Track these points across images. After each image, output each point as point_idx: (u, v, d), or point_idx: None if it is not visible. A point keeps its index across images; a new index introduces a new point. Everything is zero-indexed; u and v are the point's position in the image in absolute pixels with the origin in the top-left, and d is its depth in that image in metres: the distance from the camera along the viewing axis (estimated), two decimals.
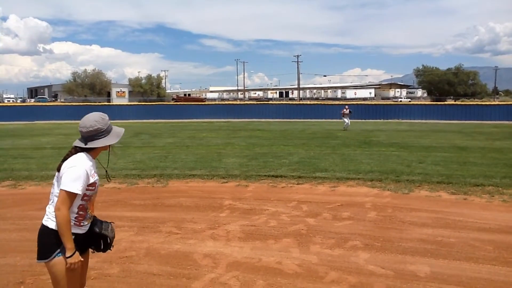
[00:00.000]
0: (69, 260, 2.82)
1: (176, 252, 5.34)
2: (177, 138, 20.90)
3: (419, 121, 36.78)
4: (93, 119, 2.98)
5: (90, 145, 2.98)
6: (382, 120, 37.64)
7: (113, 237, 3.20)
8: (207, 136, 21.64)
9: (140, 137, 21.12)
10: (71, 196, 2.82)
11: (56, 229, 2.85)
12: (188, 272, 4.72)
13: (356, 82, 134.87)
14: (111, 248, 3.19)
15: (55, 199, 2.90)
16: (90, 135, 2.96)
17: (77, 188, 2.81)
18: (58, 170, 2.93)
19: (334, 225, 6.40)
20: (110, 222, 3.24)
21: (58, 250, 2.85)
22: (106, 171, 3.19)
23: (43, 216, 2.97)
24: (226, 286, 4.38)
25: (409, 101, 74.68)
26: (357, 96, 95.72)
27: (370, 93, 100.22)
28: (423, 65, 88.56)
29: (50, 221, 2.90)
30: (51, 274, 2.94)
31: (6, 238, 5.96)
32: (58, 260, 2.86)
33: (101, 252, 3.20)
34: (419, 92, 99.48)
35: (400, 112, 40.17)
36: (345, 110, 27.88)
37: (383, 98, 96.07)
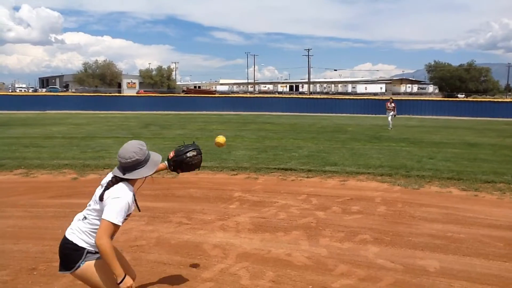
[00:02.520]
0: (121, 286, 2.80)
1: (186, 242, 5.38)
2: (187, 130, 20.95)
3: (430, 117, 36.51)
4: (132, 150, 2.96)
5: (128, 176, 2.97)
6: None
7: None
8: (217, 129, 21.67)
9: (150, 128, 21.21)
10: (113, 227, 2.82)
11: (80, 245, 2.91)
12: (198, 262, 4.75)
13: (367, 77, 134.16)
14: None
15: (88, 220, 2.96)
16: (128, 166, 2.95)
17: (120, 220, 2.83)
18: (101, 199, 2.91)
19: (343, 218, 6.40)
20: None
21: (82, 259, 2.91)
22: (136, 201, 3.13)
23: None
24: (235, 276, 4.41)
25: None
26: (368, 91, 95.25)
27: (381, 88, 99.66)
28: (435, 61, 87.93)
29: (75, 236, 2.95)
30: (84, 282, 3.01)
31: (18, 225, 6.05)
32: (85, 267, 2.92)
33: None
34: (431, 88, 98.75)
35: (410, 107, 39.84)
36: (389, 103, 23.77)
37: (394, 94, 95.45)
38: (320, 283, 4.26)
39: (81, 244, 2.92)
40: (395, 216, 6.56)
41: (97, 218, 2.91)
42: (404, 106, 40.42)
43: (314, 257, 4.91)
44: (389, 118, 23.18)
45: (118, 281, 2.81)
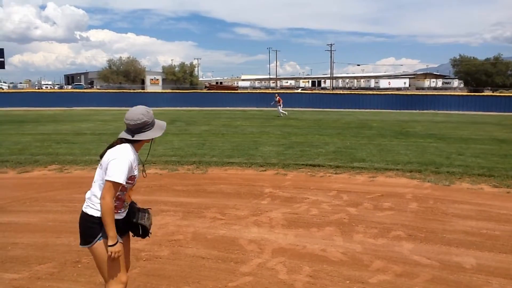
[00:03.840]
0: (110, 249, 2.93)
1: (222, 237, 5.49)
2: (212, 126, 21.12)
3: (456, 112, 35.98)
4: (140, 112, 3.06)
5: (137, 137, 3.06)
6: (417, 111, 36.97)
7: (150, 225, 3.27)
8: (242, 125, 21.78)
9: (176, 124, 21.44)
10: (116, 186, 2.91)
11: (96, 215, 2.96)
12: (235, 257, 4.86)
13: (390, 72, 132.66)
14: (149, 235, 3.28)
15: (96, 186, 3.01)
16: (136, 128, 3.04)
17: (122, 178, 2.90)
18: (101, 157, 3.03)
19: (375, 215, 6.43)
20: (147, 209, 3.31)
21: (100, 235, 2.97)
22: (144, 166, 3.21)
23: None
24: (273, 271, 4.50)
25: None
26: (391, 86, 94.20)
27: (405, 83, 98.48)
28: (460, 55, 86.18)
29: (89, 208, 3.01)
30: (94, 258, 3.07)
31: (59, 219, 6.25)
32: (99, 244, 2.98)
33: (140, 237, 3.28)
34: (455, 83, 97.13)
35: (436, 102, 39.31)
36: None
37: (417, 88, 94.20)
38: (357, 279, 4.31)
39: (94, 213, 2.98)
40: (427, 213, 6.55)
41: (103, 180, 2.97)
42: (429, 101, 39.98)
43: (349, 253, 4.97)
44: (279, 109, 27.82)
45: (110, 243, 2.92)
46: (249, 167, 10.05)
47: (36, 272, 4.49)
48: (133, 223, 3.18)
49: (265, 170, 9.70)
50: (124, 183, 2.94)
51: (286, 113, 28.75)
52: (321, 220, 6.18)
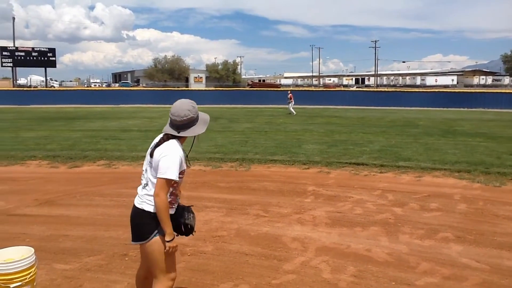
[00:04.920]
0: (168, 244, 2.96)
1: (265, 234, 5.51)
2: (255, 123, 21.20)
3: (507, 110, 34.52)
4: (186, 108, 3.04)
5: (183, 133, 3.06)
6: (465, 109, 35.76)
7: (195, 224, 3.28)
8: (284, 122, 21.76)
9: (219, 122, 21.66)
10: (169, 183, 2.92)
11: (153, 211, 2.98)
12: (278, 254, 4.86)
13: (437, 69, 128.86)
14: (193, 234, 3.29)
15: (149, 183, 3.02)
16: (183, 124, 3.04)
17: (175, 175, 2.91)
18: (151, 155, 3.03)
19: (422, 215, 6.27)
20: (189, 207, 3.29)
21: (156, 231, 2.99)
22: (187, 157, 3.18)
23: (134, 200, 3.13)
24: (316, 269, 4.47)
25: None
26: (438, 83, 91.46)
27: (452, 80, 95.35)
28: (511, 51, 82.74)
29: (145, 204, 3.02)
30: (148, 254, 3.07)
31: (107, 213, 6.45)
32: (155, 241, 2.99)
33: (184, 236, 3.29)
34: (507, 80, 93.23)
35: (485, 100, 37.89)
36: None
37: (466, 86, 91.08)
38: (403, 280, 4.22)
39: (148, 208, 3.00)
40: (477, 214, 6.34)
41: (155, 178, 2.97)
42: (478, 99, 38.61)
43: (394, 254, 4.87)
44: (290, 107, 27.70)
45: (168, 239, 2.95)
46: (292, 164, 10.02)
47: (85, 263, 4.65)
48: (180, 223, 3.18)
49: (308, 168, 9.66)
50: (177, 179, 2.96)
51: (295, 112, 28.00)
52: (365, 219, 6.09)
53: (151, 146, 3.13)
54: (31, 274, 3.51)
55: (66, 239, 5.37)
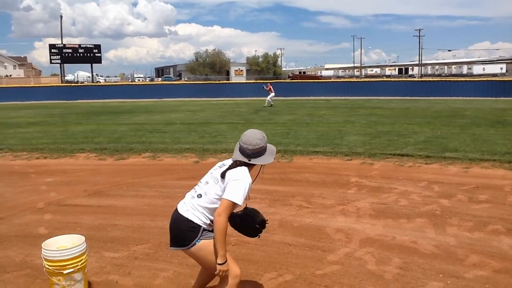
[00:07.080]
0: (219, 267, 2.96)
1: (309, 225, 5.50)
2: (296, 115, 21.10)
3: None
4: (257, 138, 3.12)
5: (254, 161, 3.12)
6: None
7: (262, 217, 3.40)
8: (326, 114, 21.56)
9: (260, 114, 21.72)
10: (234, 206, 2.97)
11: (196, 222, 3.04)
12: (322, 245, 4.85)
13: (484, 57, 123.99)
14: (259, 236, 3.44)
15: (204, 196, 3.08)
16: (254, 153, 3.10)
17: (240, 200, 2.95)
18: (223, 177, 3.05)
19: (470, 207, 6.09)
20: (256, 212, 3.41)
21: (197, 239, 3.04)
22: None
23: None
24: (361, 261, 4.43)
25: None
26: (486, 72, 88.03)
27: (501, 68, 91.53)
28: None
29: (190, 214, 3.07)
30: (198, 259, 3.16)
31: (153, 204, 6.61)
32: (200, 247, 3.04)
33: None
34: None
35: None
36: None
37: None
38: (451, 273, 4.12)
39: (197, 221, 3.04)
40: None
41: (217, 196, 3.04)
42: None
43: (442, 246, 4.76)
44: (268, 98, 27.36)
45: (220, 262, 2.94)
46: (335, 156, 9.94)
47: (133, 252, 4.79)
48: (253, 227, 3.33)
49: (350, 159, 9.55)
50: (241, 204, 3.01)
51: (272, 103, 27.70)
52: (411, 211, 5.98)
53: (217, 166, 3.21)
54: (82, 261, 3.66)
55: (115, 228, 5.55)
